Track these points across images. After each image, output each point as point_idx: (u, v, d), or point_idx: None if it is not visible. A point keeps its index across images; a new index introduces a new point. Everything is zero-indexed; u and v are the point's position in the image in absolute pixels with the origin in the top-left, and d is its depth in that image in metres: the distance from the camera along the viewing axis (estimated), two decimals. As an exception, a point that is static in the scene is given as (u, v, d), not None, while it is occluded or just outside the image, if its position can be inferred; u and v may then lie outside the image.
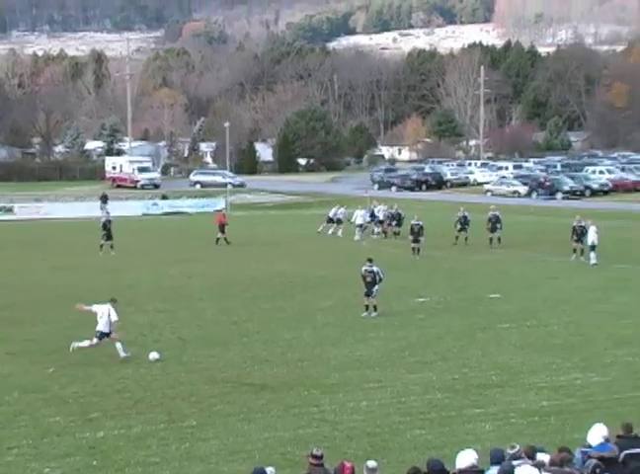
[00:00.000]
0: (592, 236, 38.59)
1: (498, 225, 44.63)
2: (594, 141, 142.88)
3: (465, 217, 45.86)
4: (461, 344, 24.39)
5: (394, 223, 49.60)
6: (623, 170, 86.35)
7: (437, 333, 25.78)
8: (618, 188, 77.45)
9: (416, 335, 25.59)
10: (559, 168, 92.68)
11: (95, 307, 23.04)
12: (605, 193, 76.04)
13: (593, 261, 38.34)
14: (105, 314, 22.66)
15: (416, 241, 42.30)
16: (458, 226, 45.86)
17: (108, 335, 22.78)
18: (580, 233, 39.92)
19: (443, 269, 38.56)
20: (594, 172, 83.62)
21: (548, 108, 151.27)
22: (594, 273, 36.63)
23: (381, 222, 50.66)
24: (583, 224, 40.10)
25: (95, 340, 22.73)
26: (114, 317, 22.66)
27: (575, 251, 40.06)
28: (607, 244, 39.61)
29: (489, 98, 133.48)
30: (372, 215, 51.15)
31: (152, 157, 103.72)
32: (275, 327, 26.96)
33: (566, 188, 75.16)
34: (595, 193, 75.42)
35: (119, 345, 22.82)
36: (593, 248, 38.54)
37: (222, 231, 47.37)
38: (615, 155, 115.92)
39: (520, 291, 32.50)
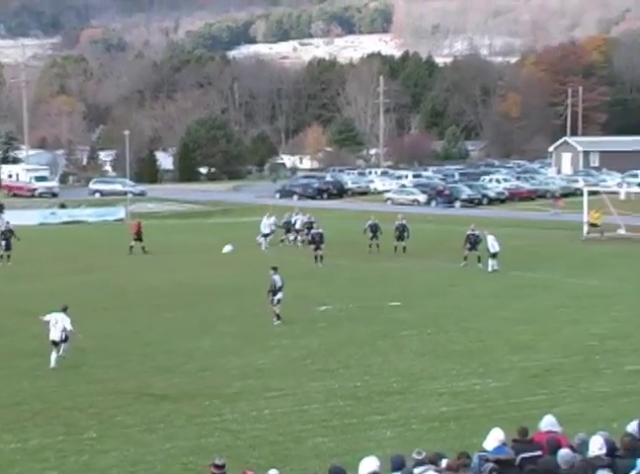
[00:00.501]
0: (491, 244, 39.25)
1: (405, 234, 45.07)
2: (490, 150, 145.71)
3: (376, 225, 46.24)
4: (363, 351, 24.53)
5: (305, 231, 49.87)
6: (519, 179, 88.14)
7: (338, 341, 25.88)
8: (514, 196, 78.92)
9: (318, 343, 25.65)
10: (457, 177, 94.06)
11: (48, 316, 23.18)
12: (502, 201, 77.37)
13: (490, 268, 39.02)
14: (59, 322, 22.82)
15: (317, 249, 42.51)
16: (370, 234, 46.11)
17: (57, 343, 22.82)
18: (474, 242, 40.71)
19: (346, 277, 38.73)
20: (490, 181, 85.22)
21: (446, 117, 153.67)
22: (491, 280, 37.27)
23: (298, 231, 50.47)
24: (477, 233, 40.87)
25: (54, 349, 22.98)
26: (68, 326, 22.84)
27: (466, 258, 40.74)
28: (503, 251, 40.31)
29: (388, 107, 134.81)
30: (288, 223, 51.21)
31: (50, 165, 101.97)
32: (176, 337, 26.75)
33: (464, 196, 76.31)
34: (492, 201, 76.62)
35: (54, 355, 22.86)
36: (493, 256, 39.17)
37: (139, 239, 47.59)
38: (511, 164, 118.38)
39: (421, 299, 32.85)
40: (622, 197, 70.20)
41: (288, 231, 51.28)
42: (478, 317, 29.20)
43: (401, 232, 45.06)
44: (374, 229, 46.19)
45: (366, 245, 45.98)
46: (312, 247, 43.02)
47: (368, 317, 29.37)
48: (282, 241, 50.67)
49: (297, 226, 50.57)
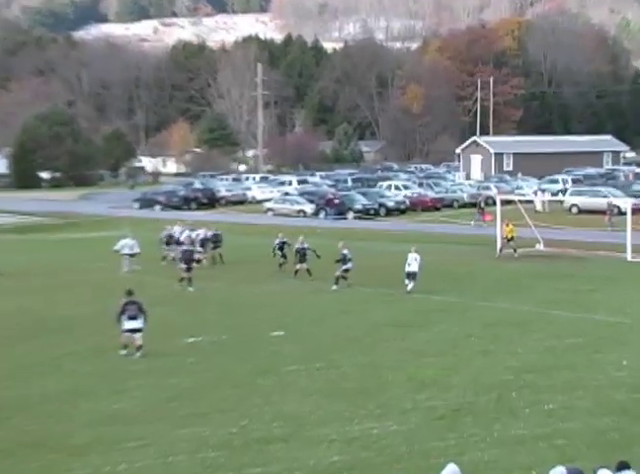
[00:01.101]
0: (408, 262, 39.96)
1: (306, 257, 45.55)
2: (388, 152, 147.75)
3: (285, 244, 47.26)
4: (240, 392, 24.50)
5: (211, 246, 50.30)
6: (421, 185, 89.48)
7: (211, 379, 25.82)
8: (416, 206, 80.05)
9: (187, 382, 25.54)
10: (350, 183, 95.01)
11: None
12: (402, 211, 78.41)
13: (409, 288, 39.67)
14: None
15: (188, 270, 42.34)
16: (278, 252, 47.10)
17: None
18: (343, 260, 41.60)
19: (219, 302, 38.69)
20: (389, 187, 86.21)
21: (336, 113, 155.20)
22: (390, 305, 37.66)
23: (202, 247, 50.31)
24: (345, 252, 41.71)
25: None
26: None
27: (341, 279, 41.56)
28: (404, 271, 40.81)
29: (268, 100, 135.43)
30: (178, 242, 50.66)
31: None
32: (14, 376, 26.32)
33: (358, 206, 77.08)
34: (390, 211, 77.64)
35: None
36: (408, 275, 39.84)
37: None
38: (412, 168, 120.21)
39: (308, 328, 32.96)
40: (538, 206, 71.83)
41: (168, 244, 51.20)
42: (375, 349, 29.46)
43: (302, 256, 45.52)
44: (282, 247, 47.09)
45: (276, 264, 47.00)
46: (183, 267, 42.75)
47: (247, 350, 29.37)
48: (164, 258, 50.89)
49: (185, 241, 49.99)
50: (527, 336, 31.09)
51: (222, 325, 33.58)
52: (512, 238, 52.20)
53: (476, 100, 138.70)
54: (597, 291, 40.35)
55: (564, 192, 78.75)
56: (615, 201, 65.28)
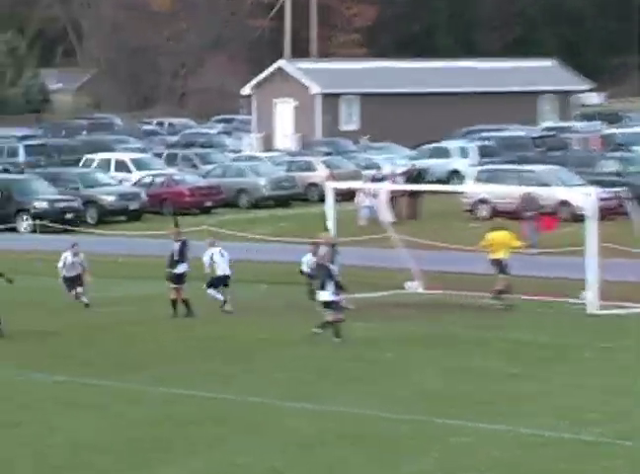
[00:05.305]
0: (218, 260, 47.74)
1: None
2: (102, 92, 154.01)
3: None
4: None
5: None
6: (173, 161, 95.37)
7: None
8: (162, 203, 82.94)
9: None
10: (23, 157, 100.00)
11: None
12: (133, 216, 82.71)
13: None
14: None
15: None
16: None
17: None
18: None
19: None
20: (105, 166, 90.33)
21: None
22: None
23: None
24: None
25: None
26: None
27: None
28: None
29: None
30: None
31: None
32: None
33: (41, 204, 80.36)
34: (108, 214, 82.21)
35: None
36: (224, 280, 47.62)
37: None
38: (154, 125, 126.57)
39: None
40: (362, 218, 73.94)
41: None
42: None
43: None
44: None
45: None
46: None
47: None
48: None
49: None
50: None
51: None
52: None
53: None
54: (525, 378, 39.33)
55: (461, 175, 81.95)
56: (559, 193, 67.17)
